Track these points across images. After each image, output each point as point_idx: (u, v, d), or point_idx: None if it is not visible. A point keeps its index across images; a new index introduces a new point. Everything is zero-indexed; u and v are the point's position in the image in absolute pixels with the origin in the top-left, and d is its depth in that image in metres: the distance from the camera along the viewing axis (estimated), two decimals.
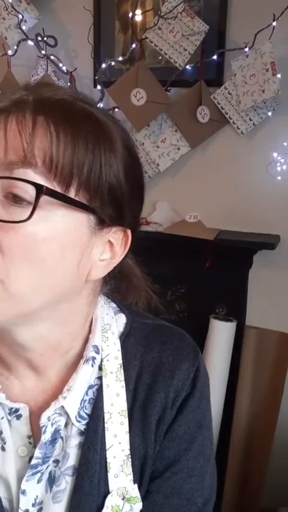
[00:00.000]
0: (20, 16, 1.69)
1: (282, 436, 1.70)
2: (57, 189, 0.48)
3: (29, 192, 0.47)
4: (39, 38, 1.75)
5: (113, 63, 1.73)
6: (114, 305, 0.67)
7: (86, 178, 0.50)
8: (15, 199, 0.47)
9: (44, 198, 0.47)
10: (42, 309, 0.53)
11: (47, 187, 0.47)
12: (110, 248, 0.56)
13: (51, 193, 0.48)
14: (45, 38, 1.76)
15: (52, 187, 0.48)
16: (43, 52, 1.77)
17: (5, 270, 0.48)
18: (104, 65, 1.72)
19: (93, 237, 0.53)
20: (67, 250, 0.51)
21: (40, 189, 0.47)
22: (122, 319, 0.66)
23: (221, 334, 1.65)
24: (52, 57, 1.77)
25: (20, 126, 0.48)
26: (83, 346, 0.61)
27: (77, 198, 0.50)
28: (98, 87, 1.74)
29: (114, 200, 0.53)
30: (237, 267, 1.70)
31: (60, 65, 1.77)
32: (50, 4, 1.82)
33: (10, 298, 0.49)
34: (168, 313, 1.68)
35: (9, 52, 1.78)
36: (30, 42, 1.74)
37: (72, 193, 0.49)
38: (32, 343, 0.56)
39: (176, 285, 1.74)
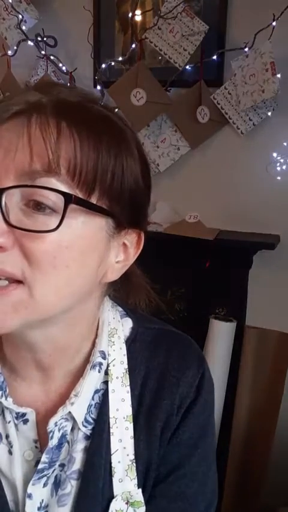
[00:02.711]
0: (20, 16, 1.69)
1: (282, 436, 1.70)
2: (80, 195, 0.48)
3: (52, 199, 0.46)
4: (39, 38, 1.75)
5: (113, 63, 1.73)
6: (120, 309, 0.67)
7: (109, 184, 0.50)
8: (38, 207, 0.47)
9: (69, 206, 0.47)
10: (62, 313, 0.53)
11: (75, 196, 0.47)
12: (124, 250, 0.56)
13: (78, 202, 0.47)
14: (45, 38, 1.76)
15: (76, 194, 0.48)
16: (43, 52, 1.77)
17: (32, 276, 0.48)
18: (104, 65, 1.72)
19: (111, 241, 0.53)
20: (88, 255, 0.51)
21: (69, 199, 0.46)
22: (128, 323, 0.66)
23: (221, 334, 1.65)
24: (52, 58, 1.77)
25: (45, 133, 0.47)
26: (89, 349, 0.61)
27: (98, 204, 0.50)
28: (98, 87, 1.74)
29: (133, 204, 0.53)
30: (237, 267, 1.70)
31: (60, 65, 1.77)
32: (50, 4, 1.82)
33: (35, 304, 0.49)
34: (168, 313, 1.68)
35: (9, 52, 1.77)
36: (30, 43, 1.74)
37: (94, 200, 0.49)
38: (42, 344, 0.57)
39: (176, 285, 1.73)
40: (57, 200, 0.47)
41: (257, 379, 1.72)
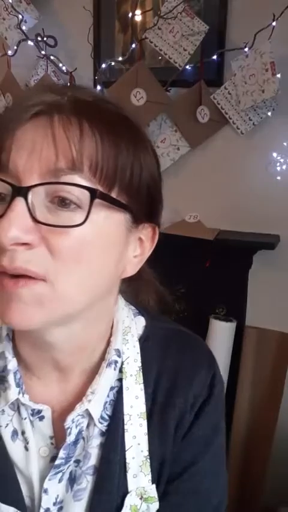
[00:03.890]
0: (20, 16, 1.69)
1: (282, 436, 1.70)
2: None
3: (76, 195, 0.48)
4: (39, 38, 1.75)
5: (113, 63, 1.73)
6: (133, 307, 0.68)
7: (128, 180, 0.51)
8: (63, 203, 0.48)
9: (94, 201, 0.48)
10: (84, 310, 0.53)
11: (100, 191, 0.48)
12: (140, 244, 0.58)
13: (103, 197, 0.49)
14: (45, 38, 1.76)
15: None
16: (43, 52, 1.77)
17: (55, 272, 0.48)
18: (104, 65, 1.72)
19: (129, 235, 0.55)
20: (108, 250, 0.52)
21: (94, 194, 0.48)
22: (141, 321, 0.67)
23: (221, 334, 1.65)
24: (52, 57, 1.77)
25: (68, 132, 0.48)
26: (105, 347, 0.62)
27: (118, 199, 0.51)
28: (98, 87, 1.74)
29: (151, 198, 0.55)
30: (237, 267, 1.70)
31: (60, 65, 1.77)
32: (50, 4, 1.82)
33: (57, 299, 0.50)
34: (168, 313, 1.68)
35: (9, 52, 1.77)
36: (30, 43, 1.74)
37: (114, 195, 0.51)
38: (63, 344, 0.57)
39: (176, 285, 1.73)
40: (81, 196, 0.48)
41: (257, 379, 1.72)
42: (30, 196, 0.47)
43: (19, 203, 0.47)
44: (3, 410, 0.59)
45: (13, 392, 0.58)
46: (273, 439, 1.69)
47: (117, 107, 0.55)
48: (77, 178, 0.48)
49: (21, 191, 0.47)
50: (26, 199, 0.47)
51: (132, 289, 0.67)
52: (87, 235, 0.49)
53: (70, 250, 0.48)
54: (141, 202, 0.54)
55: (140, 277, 0.65)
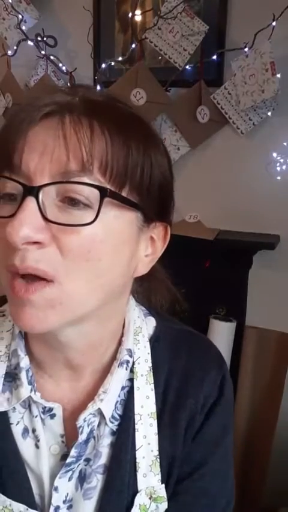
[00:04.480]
0: (20, 16, 1.69)
1: (282, 436, 1.70)
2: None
3: (85, 195, 0.48)
4: (39, 38, 1.75)
5: (113, 63, 1.73)
6: (143, 308, 0.69)
7: (138, 179, 0.51)
8: (73, 203, 0.48)
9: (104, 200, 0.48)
10: (96, 309, 0.53)
11: (110, 190, 0.48)
12: (152, 244, 0.58)
13: (113, 195, 0.49)
14: (45, 38, 1.76)
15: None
16: (43, 52, 1.77)
17: (64, 271, 0.49)
18: (103, 65, 1.72)
19: (140, 234, 0.55)
20: (119, 249, 0.52)
21: (104, 193, 0.48)
22: (151, 322, 0.67)
23: (221, 334, 1.65)
24: (52, 57, 1.77)
25: (79, 133, 0.48)
26: (116, 347, 0.62)
27: (129, 198, 0.51)
28: (98, 87, 1.74)
29: (162, 197, 0.55)
30: (237, 267, 1.70)
31: (60, 65, 1.77)
32: (50, 4, 1.82)
33: (68, 300, 0.50)
34: (168, 314, 1.68)
35: (9, 52, 1.77)
36: (30, 43, 1.74)
37: (124, 194, 0.51)
38: (76, 343, 0.57)
39: (176, 285, 1.73)
40: (91, 195, 0.48)
41: (257, 379, 1.72)
42: (41, 196, 0.48)
43: (30, 203, 0.47)
44: (14, 408, 0.60)
45: (25, 390, 0.58)
46: (273, 440, 1.69)
47: (128, 106, 0.55)
48: (86, 179, 0.48)
49: (32, 191, 0.48)
50: (37, 198, 0.48)
51: (144, 288, 0.68)
52: (97, 234, 0.49)
53: (80, 248, 0.48)
54: (153, 201, 0.54)
55: (154, 276, 0.66)
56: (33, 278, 0.49)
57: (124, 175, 0.50)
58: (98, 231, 0.49)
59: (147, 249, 0.57)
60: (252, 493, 1.72)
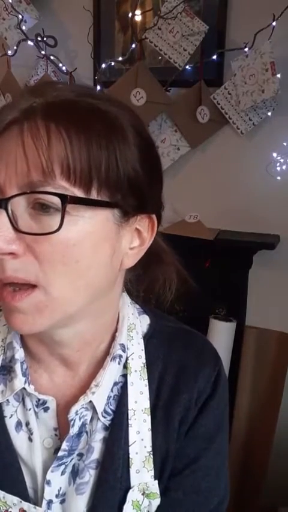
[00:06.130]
0: (20, 16, 1.69)
1: (282, 436, 1.70)
2: (79, 193, 0.49)
3: (54, 200, 0.48)
4: (39, 38, 1.75)
5: (113, 63, 1.73)
6: (138, 306, 0.69)
7: (105, 176, 0.50)
8: (43, 208, 0.49)
9: (69, 205, 0.48)
10: (84, 307, 0.54)
11: (70, 196, 0.48)
12: (138, 235, 0.57)
13: (75, 200, 0.49)
14: (45, 38, 1.76)
15: (73, 193, 0.49)
16: (43, 52, 1.77)
17: (44, 277, 0.50)
18: (103, 65, 1.72)
19: (121, 229, 0.54)
20: (98, 247, 0.52)
21: (64, 199, 0.48)
22: (145, 320, 0.68)
23: (220, 334, 1.65)
24: (52, 58, 1.77)
25: (36, 140, 0.48)
26: (109, 342, 0.63)
27: (99, 197, 0.50)
28: (98, 87, 1.74)
29: (135, 190, 0.54)
30: (237, 267, 1.70)
31: (60, 65, 1.77)
32: (50, 4, 1.82)
33: (54, 303, 0.51)
34: (168, 313, 1.68)
35: (9, 52, 1.78)
36: (30, 43, 1.74)
37: (94, 194, 0.50)
38: (70, 340, 0.59)
39: (176, 285, 1.73)
40: (57, 201, 0.48)
41: (257, 379, 1.72)
42: (10, 207, 0.48)
43: (0, 215, 0.48)
44: (8, 401, 0.60)
45: (19, 382, 0.59)
46: (273, 439, 1.69)
47: (96, 99, 0.52)
48: (49, 187, 0.48)
49: (1, 203, 0.48)
50: (6, 210, 0.48)
51: (148, 275, 0.67)
52: (70, 238, 0.49)
53: (55, 255, 0.49)
54: (126, 195, 0.52)
55: (161, 259, 0.66)
56: (20, 285, 0.50)
57: (88, 175, 0.49)
58: (72, 235, 0.49)
59: (133, 241, 0.57)
60: (252, 493, 1.72)
